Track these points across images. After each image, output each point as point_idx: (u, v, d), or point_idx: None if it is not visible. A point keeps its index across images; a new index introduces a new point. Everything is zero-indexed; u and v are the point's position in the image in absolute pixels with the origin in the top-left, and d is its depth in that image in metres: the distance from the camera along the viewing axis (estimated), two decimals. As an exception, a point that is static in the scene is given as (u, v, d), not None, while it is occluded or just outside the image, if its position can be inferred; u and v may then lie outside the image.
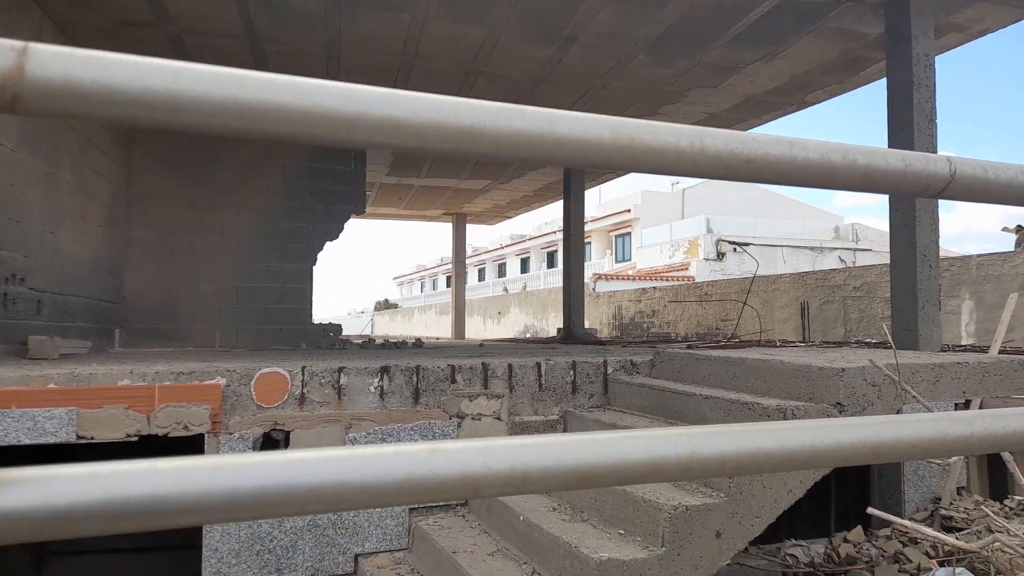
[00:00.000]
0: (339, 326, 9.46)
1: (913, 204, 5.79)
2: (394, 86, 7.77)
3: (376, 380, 4.20)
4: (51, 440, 3.54)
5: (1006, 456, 2.91)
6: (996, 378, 3.58)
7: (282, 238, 8.75)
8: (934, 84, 5.86)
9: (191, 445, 3.91)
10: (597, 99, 8.18)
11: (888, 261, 8.86)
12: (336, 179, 8.97)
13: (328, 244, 9.07)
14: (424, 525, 4.04)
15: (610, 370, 4.72)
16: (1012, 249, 9.35)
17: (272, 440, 3.95)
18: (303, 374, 4.05)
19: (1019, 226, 10.06)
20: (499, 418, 4.39)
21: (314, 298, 9.13)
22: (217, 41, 6.44)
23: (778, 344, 8.26)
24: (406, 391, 4.26)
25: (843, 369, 3.32)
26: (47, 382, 3.59)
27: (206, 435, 3.81)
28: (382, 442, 4.12)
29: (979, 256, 9.14)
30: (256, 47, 6.54)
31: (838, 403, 3.30)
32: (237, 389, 3.92)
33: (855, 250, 22.70)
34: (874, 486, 5.35)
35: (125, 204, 8.09)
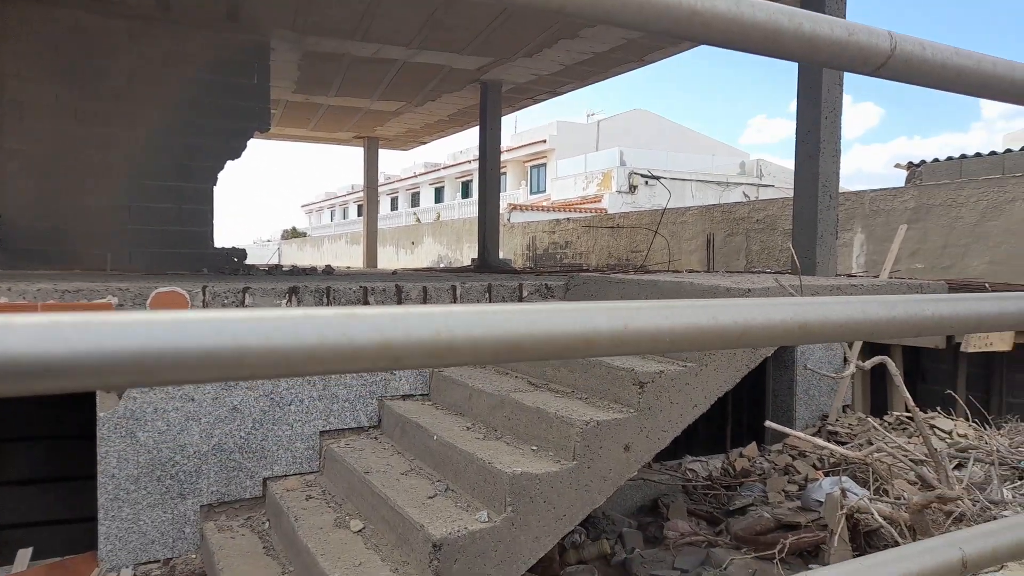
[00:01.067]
0: (244, 251, 9.05)
1: (818, 135, 5.98)
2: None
3: (284, 302, 4.04)
4: (-82, 362, 3.23)
5: (892, 370, 3.12)
6: (886, 300, 3.80)
7: (179, 155, 8.18)
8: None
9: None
10: (517, 16, 7.93)
11: (788, 196, 9.20)
12: (238, 93, 8.40)
13: (230, 163, 8.56)
14: (335, 448, 3.99)
15: (525, 293, 4.72)
16: (902, 185, 9.89)
17: (172, 362, 3.75)
18: (204, 294, 3.84)
19: (910, 163, 10.64)
20: (413, 340, 4.33)
21: (216, 222, 8.66)
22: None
23: (685, 272, 8.52)
24: (316, 312, 4.12)
25: (749, 289, 3.43)
26: (-91, 300, 3.25)
27: (98, 357, 3.58)
28: (291, 364, 4.00)
29: (872, 191, 9.63)
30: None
31: (743, 322, 3.42)
32: (130, 309, 3.68)
33: (759, 185, 23.54)
34: (768, 406, 5.67)
35: (-3, 112, 7.32)
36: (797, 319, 0.79)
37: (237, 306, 3.94)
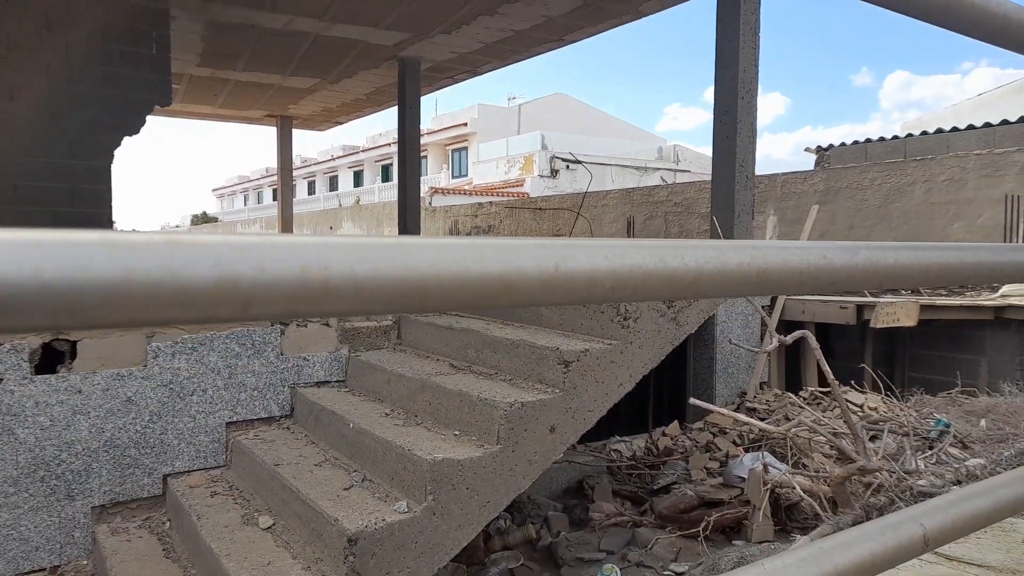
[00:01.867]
0: (146, 234, 8.47)
1: (735, 115, 6.04)
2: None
3: (183, 283, 3.73)
4: None
5: (812, 343, 3.14)
6: (804, 275, 3.84)
7: (70, 130, 7.54)
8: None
9: (-54, 359, 3.27)
10: (434, -7, 7.68)
11: (705, 180, 9.32)
12: (135, 64, 7.81)
13: (128, 140, 7.98)
14: (244, 440, 3.74)
15: (445, 273, 4.55)
16: (812, 169, 10.23)
17: (54, 352, 3.40)
18: (91, 275, 3.50)
19: (819, 147, 11.01)
20: (327, 323, 4.10)
21: (119, 206, 8.08)
22: None
23: (607, 255, 8.55)
24: (220, 295, 3.83)
25: (673, 266, 3.38)
26: None
27: (-34, 347, 3.20)
28: (193, 352, 3.71)
29: (784, 175, 9.91)
30: None
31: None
32: None
33: (675, 170, 24.01)
34: (689, 384, 5.72)
35: None
36: (755, 264, 0.67)
37: (130, 289, 3.61)
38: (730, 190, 6.10)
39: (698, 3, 8.38)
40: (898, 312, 5.54)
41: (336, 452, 3.44)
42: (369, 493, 2.95)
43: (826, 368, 3.12)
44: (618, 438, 5.27)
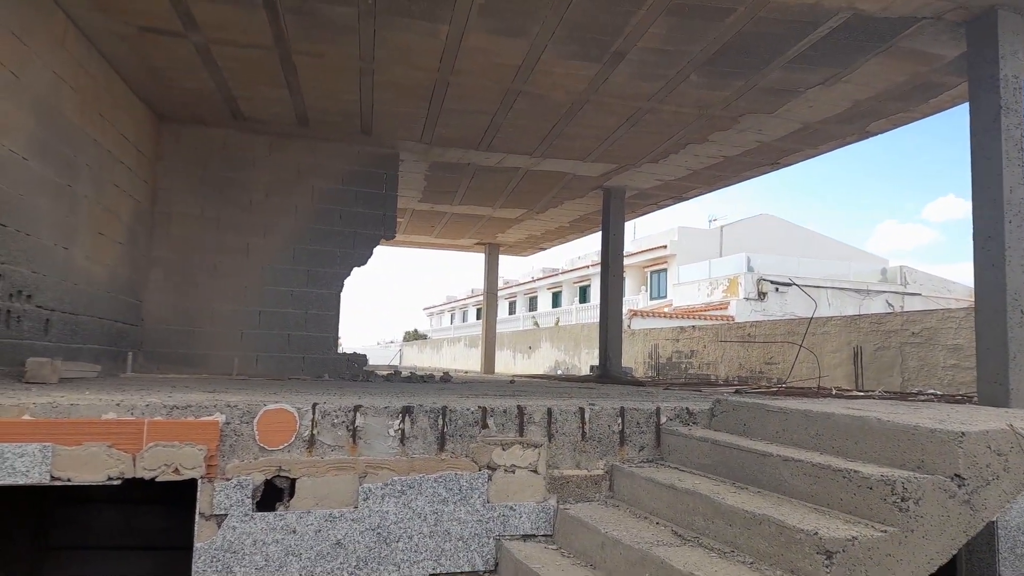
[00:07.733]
0: (364, 356, 8.99)
1: (1002, 241, 5.16)
2: (429, 104, 7.32)
3: (397, 422, 3.68)
4: (21, 481, 3.07)
5: None
6: None
7: (308, 262, 8.37)
8: (1024, 109, 5.28)
9: (182, 490, 3.41)
10: (643, 123, 7.70)
11: (947, 308, 8.06)
12: (367, 203, 8.60)
13: (356, 270, 8.66)
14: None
15: (663, 419, 4.13)
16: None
17: (275, 488, 3.43)
18: (314, 412, 3.54)
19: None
20: (536, 471, 3.82)
21: (341, 326, 8.70)
22: (246, 52, 6.12)
23: (834, 393, 7.56)
24: (430, 436, 3.72)
25: (963, 433, 2.71)
26: (22, 412, 3.14)
27: (200, 480, 3.31)
28: (401, 495, 3.59)
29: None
30: (286, 58, 6.19)
31: (957, 475, 2.68)
32: (238, 427, 3.42)
33: (903, 294, 21.69)
34: (962, 567, 4.64)
35: (149, 223, 7.77)
36: None
37: (347, 426, 3.61)
38: (1001, 327, 5.14)
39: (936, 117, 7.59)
40: None
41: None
42: None
43: None
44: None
